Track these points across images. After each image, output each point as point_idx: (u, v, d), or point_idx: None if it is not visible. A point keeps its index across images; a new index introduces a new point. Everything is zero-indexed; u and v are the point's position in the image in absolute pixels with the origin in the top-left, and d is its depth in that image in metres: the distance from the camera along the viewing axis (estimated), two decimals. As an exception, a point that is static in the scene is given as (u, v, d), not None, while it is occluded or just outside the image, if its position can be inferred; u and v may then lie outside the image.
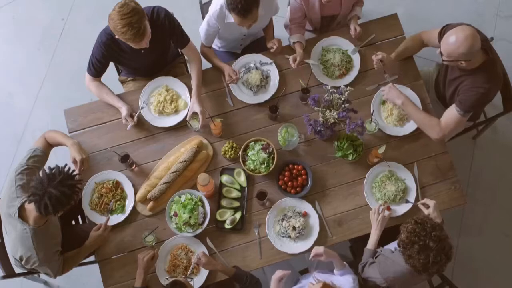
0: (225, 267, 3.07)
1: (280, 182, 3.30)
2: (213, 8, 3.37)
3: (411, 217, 2.74)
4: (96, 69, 3.34)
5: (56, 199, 2.66)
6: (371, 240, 3.12)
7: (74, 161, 3.18)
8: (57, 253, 3.03)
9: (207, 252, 3.18)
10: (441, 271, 2.66)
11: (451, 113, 3.17)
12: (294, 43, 3.56)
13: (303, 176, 3.30)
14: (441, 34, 3.18)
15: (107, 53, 3.28)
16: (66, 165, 2.81)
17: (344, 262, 3.05)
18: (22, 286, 4.09)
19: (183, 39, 3.40)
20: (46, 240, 2.94)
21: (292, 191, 3.29)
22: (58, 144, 3.23)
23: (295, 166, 3.32)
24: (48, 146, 3.21)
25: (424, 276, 2.76)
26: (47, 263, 2.96)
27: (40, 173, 2.75)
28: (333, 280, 2.82)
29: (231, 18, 3.31)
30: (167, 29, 3.27)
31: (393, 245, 3.03)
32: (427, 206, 3.06)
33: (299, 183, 3.29)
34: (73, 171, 2.80)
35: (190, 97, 3.40)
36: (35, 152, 3.11)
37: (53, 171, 2.73)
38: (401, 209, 3.26)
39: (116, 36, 3.04)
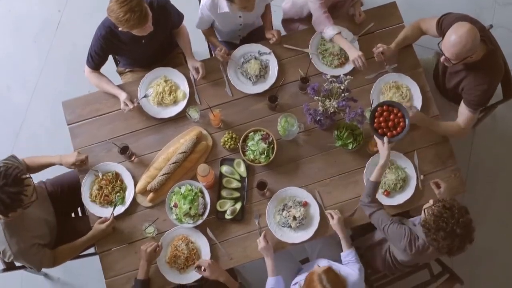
0: (229, 278, 3.04)
1: (376, 116, 3.15)
2: None
3: (437, 200, 2.73)
4: (95, 62, 3.33)
5: None
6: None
7: (76, 165, 3.20)
8: (34, 247, 2.97)
9: (208, 253, 3.18)
10: (463, 252, 2.68)
11: (465, 114, 3.21)
12: (335, 34, 3.39)
13: (401, 124, 3.12)
14: (439, 24, 3.17)
15: (106, 46, 3.26)
16: (16, 167, 2.75)
17: (352, 247, 3.07)
18: (22, 278, 4.09)
19: (179, 19, 3.48)
20: (21, 233, 2.90)
21: (383, 131, 3.12)
22: (43, 167, 3.24)
23: (395, 111, 3.13)
24: (27, 167, 3.18)
25: (445, 255, 2.76)
26: (22, 257, 2.94)
27: None
28: (340, 269, 2.80)
29: (224, 8, 3.29)
30: (166, 16, 3.27)
31: (416, 220, 3.02)
32: (439, 186, 3.06)
33: (392, 125, 3.13)
34: (22, 174, 2.73)
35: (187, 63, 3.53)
36: (15, 158, 3.10)
37: None
38: (402, 197, 3.26)
39: (120, 28, 3.03)
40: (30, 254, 2.96)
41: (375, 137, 3.10)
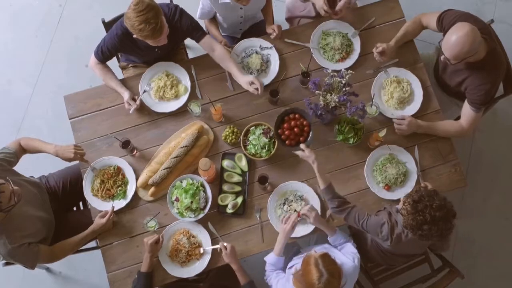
0: (243, 270, 3.06)
1: (280, 132, 3.25)
2: None
3: (405, 198, 2.72)
4: (104, 57, 3.32)
5: None
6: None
7: (72, 160, 3.19)
8: (24, 246, 2.94)
9: (209, 247, 3.20)
10: (453, 228, 2.68)
11: (469, 113, 3.21)
12: None
13: (304, 134, 3.24)
14: (440, 21, 3.17)
15: (120, 46, 3.26)
16: None
17: (336, 228, 3.07)
18: (24, 272, 4.10)
19: (199, 34, 3.30)
20: (9, 234, 2.89)
21: (287, 141, 3.23)
22: (36, 151, 3.22)
23: (301, 120, 3.25)
24: (21, 151, 3.18)
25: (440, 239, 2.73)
26: (11, 257, 2.93)
27: None
28: (335, 256, 2.81)
29: None
30: (183, 28, 3.23)
31: (398, 206, 2.96)
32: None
33: (298, 131, 3.23)
34: None
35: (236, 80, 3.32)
36: (6, 150, 3.11)
37: None
38: (403, 191, 3.27)
39: (134, 36, 3.02)
40: (19, 254, 2.94)
41: (292, 151, 3.18)
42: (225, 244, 3.05)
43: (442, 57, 3.01)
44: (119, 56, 3.79)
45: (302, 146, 3.05)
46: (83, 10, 4.69)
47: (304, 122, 3.24)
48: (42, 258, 3.07)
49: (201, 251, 3.17)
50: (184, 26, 3.22)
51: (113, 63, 3.64)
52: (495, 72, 3.10)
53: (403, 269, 3.53)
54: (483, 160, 4.36)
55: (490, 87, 3.09)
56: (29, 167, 3.35)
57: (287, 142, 3.22)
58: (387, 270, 3.54)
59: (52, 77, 4.57)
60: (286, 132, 3.22)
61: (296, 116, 3.26)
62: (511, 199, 4.31)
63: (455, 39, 2.86)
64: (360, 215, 2.91)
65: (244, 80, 3.24)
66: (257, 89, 3.19)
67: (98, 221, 3.17)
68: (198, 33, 3.29)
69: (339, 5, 3.46)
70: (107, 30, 3.60)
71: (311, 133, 3.22)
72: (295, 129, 3.22)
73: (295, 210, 3.19)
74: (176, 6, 3.23)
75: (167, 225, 3.25)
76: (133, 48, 3.29)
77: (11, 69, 4.62)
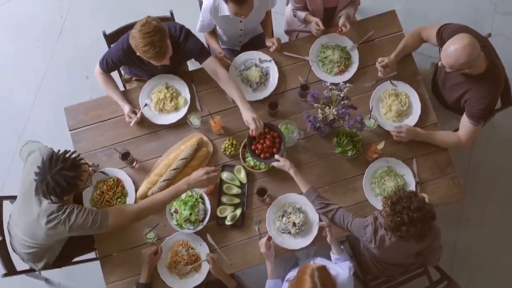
0: (228, 278, 3.11)
1: (253, 147, 3.24)
2: (206, 1, 3.37)
3: (385, 199, 2.74)
4: (108, 67, 3.34)
5: (52, 188, 2.67)
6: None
7: None
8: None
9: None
10: (433, 230, 2.71)
11: (467, 126, 3.23)
12: (305, 16, 3.59)
13: (276, 145, 3.23)
14: (439, 34, 3.19)
15: (124, 59, 3.27)
16: (74, 152, 2.78)
17: (342, 247, 3.08)
18: (22, 283, 4.10)
19: (203, 55, 3.26)
20: None
21: (262, 155, 3.22)
22: None
23: (271, 132, 3.24)
24: None
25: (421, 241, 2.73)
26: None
27: (45, 156, 2.74)
28: (330, 267, 2.82)
29: (225, 11, 3.31)
30: (187, 51, 3.24)
31: None
32: None
33: (270, 144, 3.21)
34: (80, 159, 2.78)
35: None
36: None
37: (57, 156, 2.71)
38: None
39: (138, 54, 3.04)
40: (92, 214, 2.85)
41: (265, 162, 3.22)
42: (211, 255, 3.06)
43: (439, 63, 3.03)
44: (121, 70, 3.79)
45: (276, 156, 3.13)
46: (84, 21, 4.73)
47: (275, 134, 3.24)
48: (127, 215, 2.90)
49: (187, 269, 3.17)
50: (187, 48, 3.22)
51: (115, 76, 3.66)
52: (495, 86, 3.12)
53: (401, 282, 3.53)
54: (481, 171, 4.38)
55: (490, 101, 3.11)
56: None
57: (261, 155, 3.22)
58: (386, 282, 3.55)
59: (53, 87, 4.60)
60: (259, 147, 3.22)
61: (266, 130, 3.22)
62: (508, 211, 4.32)
63: (453, 49, 2.89)
64: (345, 216, 2.94)
65: (247, 115, 3.14)
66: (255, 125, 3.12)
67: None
68: (201, 55, 3.27)
69: (341, 21, 3.49)
70: (108, 43, 3.63)
71: (282, 143, 3.23)
72: (267, 142, 3.22)
73: (293, 223, 3.20)
74: (182, 28, 3.22)
75: (166, 236, 3.26)
76: (137, 63, 3.30)
77: (13, 79, 4.65)
